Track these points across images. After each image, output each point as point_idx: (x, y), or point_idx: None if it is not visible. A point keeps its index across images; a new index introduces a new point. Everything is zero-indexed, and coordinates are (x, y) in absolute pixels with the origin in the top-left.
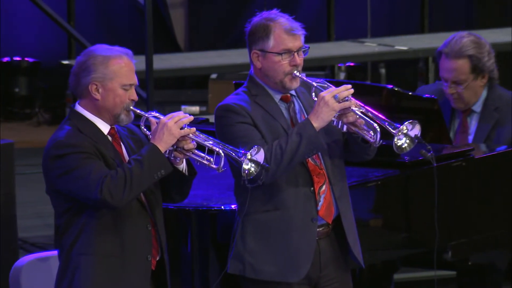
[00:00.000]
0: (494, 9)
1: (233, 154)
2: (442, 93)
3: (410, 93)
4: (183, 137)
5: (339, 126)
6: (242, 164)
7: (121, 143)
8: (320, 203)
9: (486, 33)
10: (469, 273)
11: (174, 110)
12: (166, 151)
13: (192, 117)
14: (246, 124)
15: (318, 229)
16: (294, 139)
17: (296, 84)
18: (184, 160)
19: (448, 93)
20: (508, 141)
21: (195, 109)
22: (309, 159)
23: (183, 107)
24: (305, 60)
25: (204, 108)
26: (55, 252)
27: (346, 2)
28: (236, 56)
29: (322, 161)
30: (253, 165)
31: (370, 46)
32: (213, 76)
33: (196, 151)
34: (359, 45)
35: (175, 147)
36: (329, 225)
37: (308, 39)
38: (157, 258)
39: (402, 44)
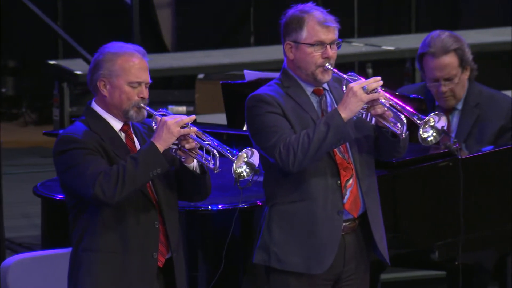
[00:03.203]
0: (480, 9)
1: (229, 155)
2: (424, 92)
3: (396, 93)
4: (184, 136)
5: (368, 119)
6: (234, 166)
7: (136, 140)
8: (346, 197)
9: (472, 33)
10: (457, 273)
11: (158, 110)
12: (172, 150)
13: (194, 116)
14: (276, 114)
15: (344, 224)
16: (321, 128)
17: (328, 77)
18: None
19: (441, 91)
20: (490, 139)
21: (182, 109)
22: (337, 152)
23: (170, 107)
24: None
25: (191, 108)
26: (42, 252)
27: (333, 2)
28: (223, 56)
29: (350, 155)
30: (246, 168)
31: (357, 46)
32: (200, 76)
33: (198, 151)
34: (346, 45)
35: (179, 146)
36: (355, 220)
37: None
38: (167, 256)
39: (389, 44)
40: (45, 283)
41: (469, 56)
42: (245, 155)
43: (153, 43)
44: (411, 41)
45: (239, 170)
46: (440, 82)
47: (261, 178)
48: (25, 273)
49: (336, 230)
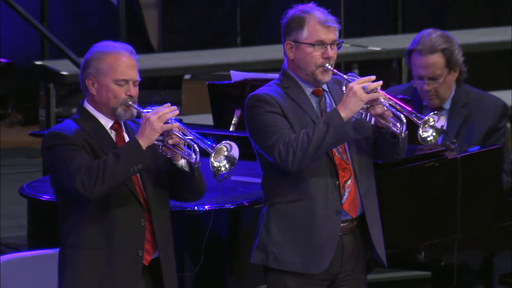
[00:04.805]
0: (467, 10)
1: (209, 149)
2: (411, 92)
3: None
4: (168, 132)
5: (367, 119)
6: (212, 159)
7: (127, 139)
8: (344, 197)
9: (459, 33)
10: (443, 274)
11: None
12: (159, 147)
13: (177, 111)
14: (276, 114)
15: (342, 224)
16: (321, 128)
17: (327, 77)
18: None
19: (425, 90)
20: (478, 140)
21: None
22: (336, 153)
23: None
24: (277, 62)
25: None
26: (28, 253)
27: (319, 3)
28: (210, 57)
29: (349, 156)
30: (226, 163)
31: (344, 46)
32: (187, 76)
33: (182, 146)
34: None
35: (164, 142)
36: (353, 221)
37: (280, 40)
38: (153, 255)
39: (375, 44)
40: (31, 284)
41: (459, 58)
42: (224, 149)
43: (139, 44)
44: (398, 42)
45: (216, 164)
46: (424, 80)
47: (251, 179)
48: (11, 274)
49: (334, 230)
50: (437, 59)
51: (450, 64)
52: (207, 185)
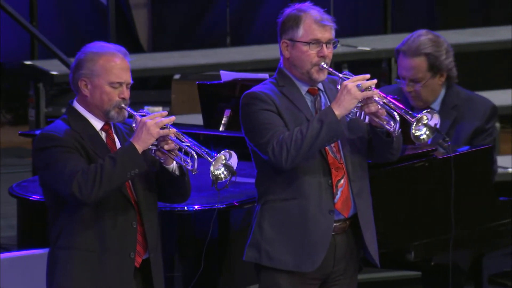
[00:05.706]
0: (456, 10)
1: (207, 157)
2: (401, 92)
3: None
4: (163, 137)
5: (361, 117)
6: (212, 168)
7: (116, 140)
8: (337, 196)
9: (449, 33)
10: (433, 273)
11: (137, 111)
12: (152, 151)
13: (173, 117)
14: (271, 112)
15: (335, 224)
16: (315, 125)
17: (323, 76)
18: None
19: (406, 91)
20: (465, 140)
21: (158, 109)
22: (329, 152)
23: (146, 107)
24: (267, 62)
25: (167, 109)
26: (18, 253)
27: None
28: (200, 57)
29: (342, 156)
30: (224, 171)
31: None
32: (176, 76)
33: (177, 152)
34: None
35: (158, 147)
36: (346, 221)
37: (271, 40)
38: (144, 257)
39: (365, 44)
40: (22, 283)
41: (446, 63)
42: (223, 157)
43: (129, 43)
44: (387, 42)
45: (216, 172)
46: (406, 80)
47: (242, 179)
48: (1, 274)
49: (327, 229)
50: (419, 62)
51: (433, 68)
52: (196, 186)
